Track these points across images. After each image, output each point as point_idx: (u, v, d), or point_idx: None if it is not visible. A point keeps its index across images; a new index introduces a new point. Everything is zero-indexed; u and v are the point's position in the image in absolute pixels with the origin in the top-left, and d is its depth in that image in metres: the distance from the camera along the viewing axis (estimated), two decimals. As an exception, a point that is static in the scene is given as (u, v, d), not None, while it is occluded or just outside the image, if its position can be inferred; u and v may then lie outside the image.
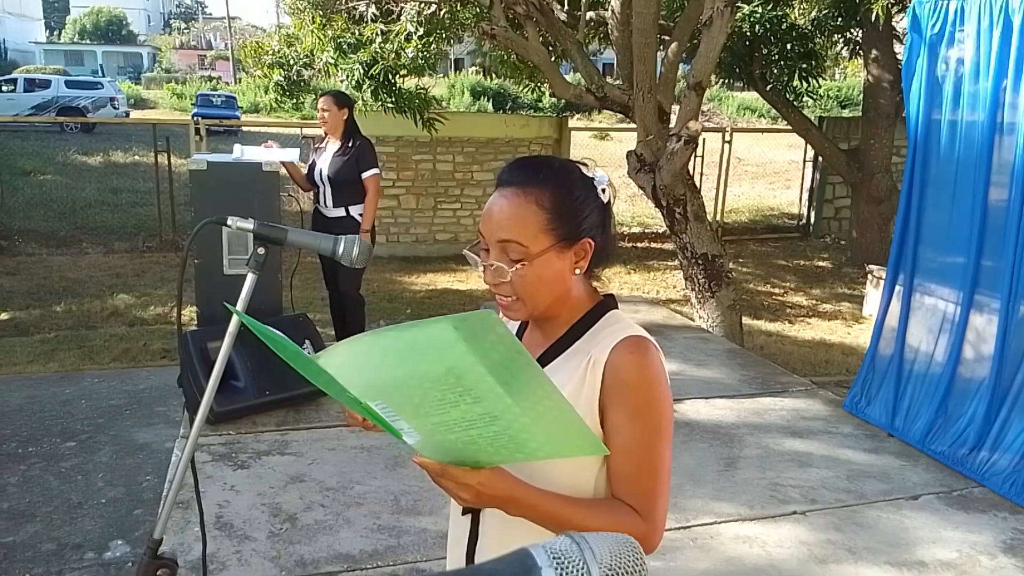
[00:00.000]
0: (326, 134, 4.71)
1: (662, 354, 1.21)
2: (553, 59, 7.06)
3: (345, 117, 4.58)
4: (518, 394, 0.94)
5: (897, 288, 4.29)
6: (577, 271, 1.22)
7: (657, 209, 6.05)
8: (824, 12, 8.86)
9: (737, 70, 9.41)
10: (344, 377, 1.02)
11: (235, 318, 1.51)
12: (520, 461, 1.09)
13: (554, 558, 0.54)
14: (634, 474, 1.17)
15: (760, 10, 8.57)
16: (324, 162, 4.62)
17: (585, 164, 1.26)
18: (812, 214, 11.87)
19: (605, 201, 1.24)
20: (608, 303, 1.27)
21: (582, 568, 0.54)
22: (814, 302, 8.21)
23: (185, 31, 59.36)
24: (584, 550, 0.55)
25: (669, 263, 9.23)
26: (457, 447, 1.05)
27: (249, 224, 1.59)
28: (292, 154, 4.56)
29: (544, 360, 1.25)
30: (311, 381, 1.13)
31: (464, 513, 1.29)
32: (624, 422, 1.16)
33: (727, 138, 11.18)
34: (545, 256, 1.17)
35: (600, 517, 1.14)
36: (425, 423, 1.03)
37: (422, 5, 5.64)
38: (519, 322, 1.35)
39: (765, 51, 9.10)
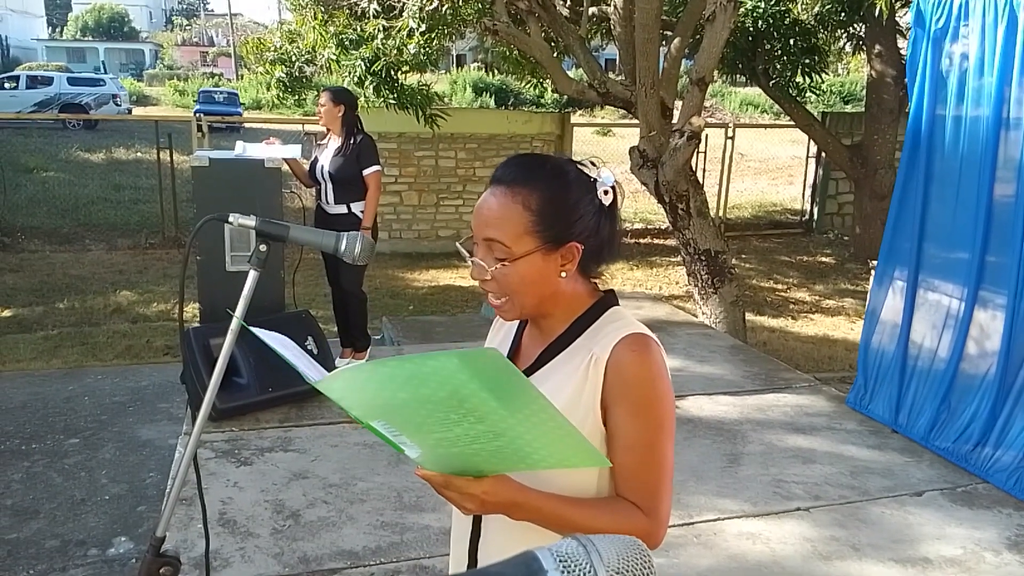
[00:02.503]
0: (328, 130, 4.71)
1: (663, 351, 1.21)
2: (555, 55, 7.04)
3: (341, 114, 4.56)
4: (520, 415, 0.95)
5: (899, 283, 4.27)
6: (563, 274, 1.20)
7: (660, 205, 6.04)
8: (827, 7, 8.83)
9: (740, 65, 9.39)
10: (345, 400, 1.02)
11: (237, 314, 1.51)
12: (523, 470, 1.10)
13: (560, 561, 0.54)
14: (637, 472, 1.17)
15: (763, 5, 8.54)
16: (325, 159, 4.61)
17: (591, 164, 1.23)
18: (815, 210, 11.85)
19: (607, 203, 1.21)
20: (608, 299, 1.26)
21: (588, 571, 0.54)
22: (817, 298, 8.20)
23: (187, 28, 59.34)
24: (591, 553, 0.55)
25: (672, 259, 9.22)
26: (460, 459, 1.05)
27: (251, 221, 1.58)
28: (294, 150, 4.55)
29: (545, 358, 1.25)
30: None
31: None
32: (626, 420, 1.16)
33: (730, 134, 11.16)
34: (528, 258, 1.16)
35: (604, 516, 1.15)
36: (427, 439, 1.03)
37: (424, 1, 5.62)
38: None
39: (768, 46, 9.08)
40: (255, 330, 1.30)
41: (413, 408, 0.97)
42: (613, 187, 1.21)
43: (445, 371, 0.89)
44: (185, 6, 67.35)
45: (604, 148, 15.97)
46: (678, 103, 5.85)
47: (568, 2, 7.21)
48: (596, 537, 0.56)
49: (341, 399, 1.02)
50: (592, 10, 7.02)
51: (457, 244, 1.27)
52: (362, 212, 4.60)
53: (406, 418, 1.00)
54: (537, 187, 1.17)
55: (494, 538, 1.26)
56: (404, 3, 5.80)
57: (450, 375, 0.89)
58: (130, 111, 24.08)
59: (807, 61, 9.12)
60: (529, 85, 9.25)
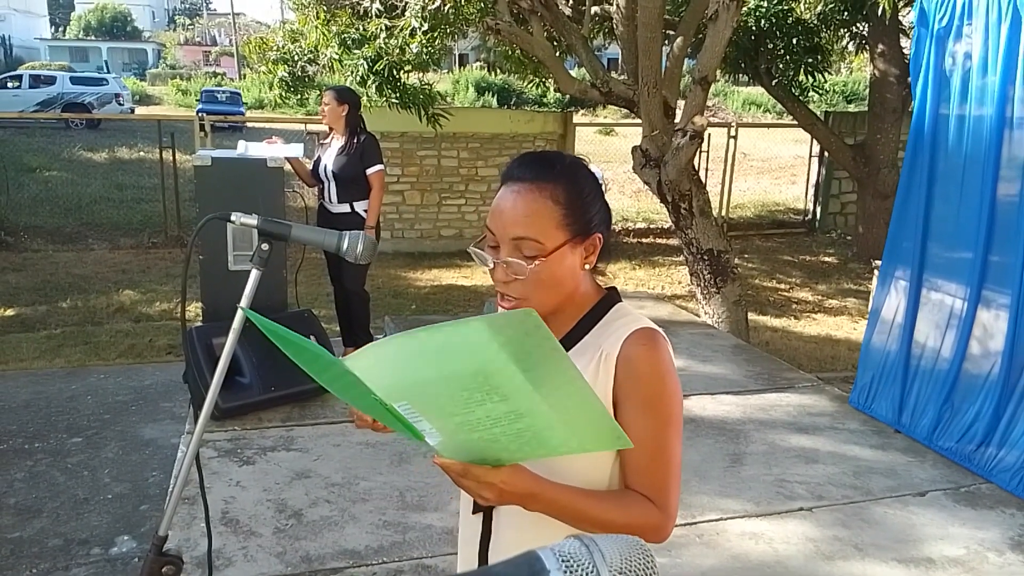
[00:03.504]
0: (330, 129, 4.72)
1: (671, 345, 1.22)
2: (558, 54, 7.03)
3: (345, 113, 4.57)
4: (546, 389, 0.93)
5: (902, 283, 4.27)
6: (587, 266, 1.22)
7: (662, 205, 6.03)
8: (830, 6, 8.82)
9: (743, 65, 9.37)
10: (370, 379, 1.01)
11: (240, 313, 1.50)
12: (542, 457, 1.09)
13: (562, 561, 0.53)
14: (648, 465, 1.17)
15: (766, 4, 8.53)
16: (328, 158, 4.62)
17: (581, 159, 1.27)
18: (818, 209, 11.83)
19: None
20: (613, 296, 1.28)
21: (591, 571, 0.53)
22: (820, 298, 8.18)
23: (190, 27, 59.38)
24: (593, 552, 0.54)
25: (674, 259, 9.21)
26: (479, 446, 1.05)
27: (253, 220, 1.58)
28: (297, 150, 4.55)
29: None
30: (325, 386, 1.12)
31: (475, 512, 1.28)
32: (637, 415, 1.17)
33: (732, 133, 11.14)
34: (559, 252, 1.17)
35: (617, 508, 1.16)
36: (448, 423, 1.02)
37: (426, 0, 5.62)
38: None
39: (771, 45, 9.06)
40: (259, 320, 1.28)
41: (437, 387, 0.96)
42: (602, 180, 1.25)
43: (475, 341, 0.87)
44: (188, 5, 67.36)
45: (607, 147, 15.98)
46: (680, 102, 5.84)
47: (570, 1, 7.20)
48: (599, 537, 0.56)
49: (367, 377, 1.00)
50: (594, 9, 7.01)
51: (470, 249, 1.25)
52: (365, 211, 4.60)
53: (429, 399, 0.99)
54: (560, 181, 1.18)
55: (506, 538, 1.26)
56: (406, 2, 5.80)
57: (480, 346, 0.87)
58: (133, 110, 24.10)
59: (810, 60, 9.10)
60: (531, 84, 9.24)
